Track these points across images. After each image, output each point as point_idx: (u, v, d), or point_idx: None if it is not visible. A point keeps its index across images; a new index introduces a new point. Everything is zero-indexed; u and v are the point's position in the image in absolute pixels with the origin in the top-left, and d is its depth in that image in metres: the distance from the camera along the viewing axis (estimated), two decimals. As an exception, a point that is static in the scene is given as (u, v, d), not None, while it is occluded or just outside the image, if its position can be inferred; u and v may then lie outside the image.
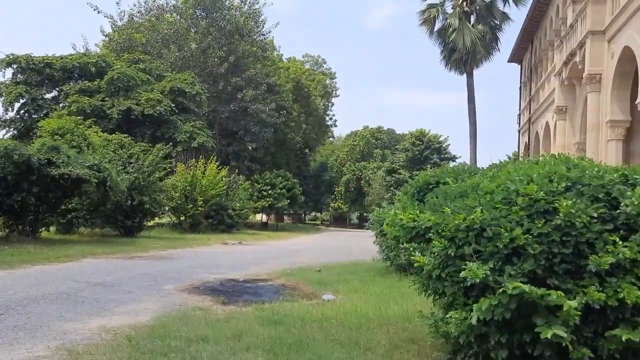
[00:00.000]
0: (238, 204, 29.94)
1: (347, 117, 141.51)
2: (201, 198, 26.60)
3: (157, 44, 37.87)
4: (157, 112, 29.03)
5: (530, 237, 3.94)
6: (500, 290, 3.84)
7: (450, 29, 30.65)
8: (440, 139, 54.67)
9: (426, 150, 53.30)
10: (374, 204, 62.72)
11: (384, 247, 10.95)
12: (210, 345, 5.10)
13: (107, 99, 29.66)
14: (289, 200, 39.18)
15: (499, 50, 32.63)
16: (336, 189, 69.89)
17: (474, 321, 3.98)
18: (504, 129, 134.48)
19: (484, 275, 3.90)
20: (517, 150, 40.13)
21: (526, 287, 3.70)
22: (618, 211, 3.92)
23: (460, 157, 58.33)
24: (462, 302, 4.34)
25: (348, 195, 68.63)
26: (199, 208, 26.57)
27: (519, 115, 35.83)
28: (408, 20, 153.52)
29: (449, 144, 60.10)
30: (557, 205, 3.95)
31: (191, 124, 30.85)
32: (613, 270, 3.81)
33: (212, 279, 10.24)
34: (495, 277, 3.97)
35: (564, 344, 3.72)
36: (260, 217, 43.66)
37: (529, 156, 32.14)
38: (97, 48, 40.54)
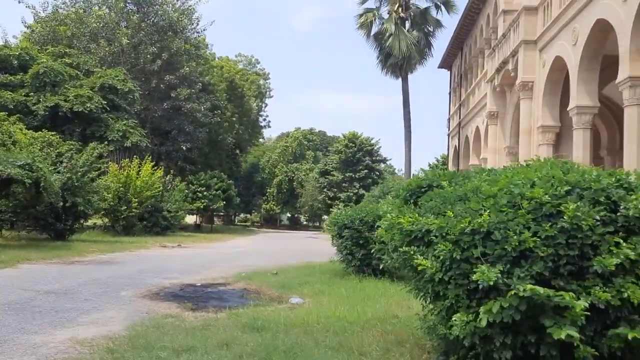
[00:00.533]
0: (174, 206, 29.07)
1: (277, 119, 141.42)
2: (135, 199, 25.58)
3: (84, 38, 36.02)
4: (88, 109, 27.59)
5: (538, 239, 4.06)
6: (512, 293, 3.93)
7: (387, 34, 31.27)
8: (372, 141, 55.71)
9: (359, 153, 54.14)
10: (307, 205, 63.04)
11: (342, 249, 10.97)
12: (199, 355, 4.89)
13: (32, 94, 27.85)
14: (224, 202, 38.54)
15: (432, 55, 33.69)
16: (268, 190, 69.55)
17: (483, 323, 4.03)
18: (435, 133, 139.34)
19: (496, 278, 3.97)
20: (446, 153, 41.58)
21: (541, 289, 3.80)
22: (619, 214, 4.11)
23: (391, 159, 60.02)
24: (465, 304, 4.39)
25: (280, 197, 68.48)
26: (134, 210, 25.53)
27: (449, 119, 37.07)
28: (338, 24, 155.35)
29: (380, 147, 61.37)
30: (562, 208, 4.09)
31: (123, 122, 29.57)
32: (616, 271, 3.99)
33: (169, 284, 9.85)
34: (504, 280, 4.05)
35: (575, 344, 3.86)
36: (196, 219, 42.63)
37: (458, 159, 33.43)
38: (17, 40, 38.13)
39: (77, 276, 10.35)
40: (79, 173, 19.40)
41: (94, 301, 7.73)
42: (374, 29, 32.52)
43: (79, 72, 30.77)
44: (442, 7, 31.77)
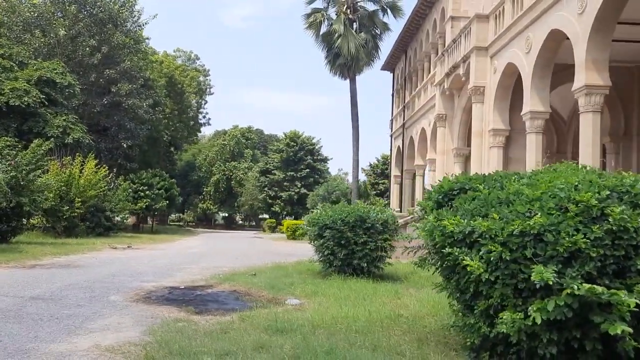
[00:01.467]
0: (118, 206, 28.00)
1: (213, 117, 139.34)
2: (79, 199, 24.43)
3: (17, 28, 33.99)
4: (25, 103, 26.10)
5: (588, 241, 4.31)
6: (567, 291, 4.16)
7: (336, 35, 31.57)
8: (313, 141, 55.98)
9: (300, 152, 54.25)
10: (247, 204, 62.42)
11: (324, 249, 11.05)
12: (240, 358, 4.82)
13: (-38, 86, 26.07)
14: (167, 201, 37.51)
15: (379, 58, 34.29)
16: (205, 189, 68.33)
17: (538, 320, 4.25)
18: (376, 133, 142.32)
19: (552, 278, 4.18)
20: (388, 154, 42.48)
21: (599, 288, 4.06)
22: (656, 217, 4.44)
23: (332, 159, 60.50)
24: (512, 303, 4.60)
25: (217, 196, 67.48)
26: (76, 210, 24.38)
27: (392, 120, 37.88)
28: (275, 22, 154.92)
29: (322, 146, 61.77)
30: (607, 211, 4.37)
31: (63, 117, 28.16)
32: (657, 269, 4.32)
33: (152, 288, 9.53)
34: (556, 279, 4.28)
35: (626, 338, 4.14)
36: (136, 219, 41.21)
37: (402, 159, 34.23)
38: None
39: (50, 281, 9.81)
40: (24, 171, 18.31)
41: (88, 307, 7.39)
42: (323, 29, 32.78)
43: (13, 64, 29.01)
44: (389, 11, 32.45)
